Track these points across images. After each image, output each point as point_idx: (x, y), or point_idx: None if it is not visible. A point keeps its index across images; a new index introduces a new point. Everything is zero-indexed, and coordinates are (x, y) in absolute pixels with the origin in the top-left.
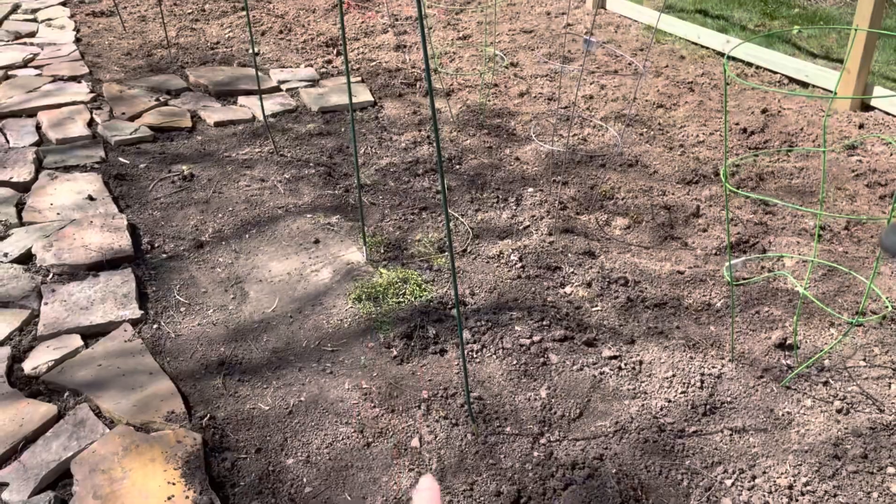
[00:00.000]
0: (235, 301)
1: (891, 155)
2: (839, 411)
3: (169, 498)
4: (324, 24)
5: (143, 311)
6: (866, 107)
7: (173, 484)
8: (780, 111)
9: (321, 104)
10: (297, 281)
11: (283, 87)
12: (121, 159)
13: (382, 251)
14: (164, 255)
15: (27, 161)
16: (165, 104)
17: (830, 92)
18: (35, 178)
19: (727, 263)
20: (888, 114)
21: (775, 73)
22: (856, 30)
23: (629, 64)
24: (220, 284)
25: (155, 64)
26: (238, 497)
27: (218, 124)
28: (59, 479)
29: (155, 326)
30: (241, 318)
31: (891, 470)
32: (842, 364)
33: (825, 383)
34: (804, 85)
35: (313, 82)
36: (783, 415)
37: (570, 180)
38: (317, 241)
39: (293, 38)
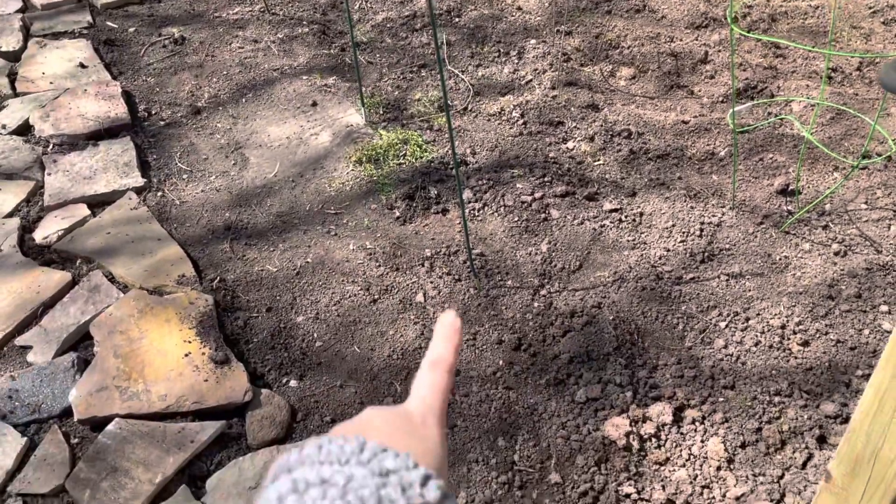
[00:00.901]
0: (237, 167)
1: None
2: (836, 254)
3: (186, 354)
4: None
5: (146, 179)
6: None
7: (189, 342)
8: None
9: None
10: (296, 145)
11: None
12: (108, 23)
13: (381, 112)
14: (162, 123)
15: (14, 29)
16: None
17: None
18: (24, 47)
19: (731, 110)
20: None
21: None
22: None
23: None
24: (221, 151)
25: None
26: (252, 352)
27: None
28: (81, 341)
29: (159, 194)
30: (243, 184)
31: (883, 308)
32: (843, 208)
33: (825, 227)
34: None
35: None
36: (780, 259)
37: (575, 29)
38: (314, 104)
39: None
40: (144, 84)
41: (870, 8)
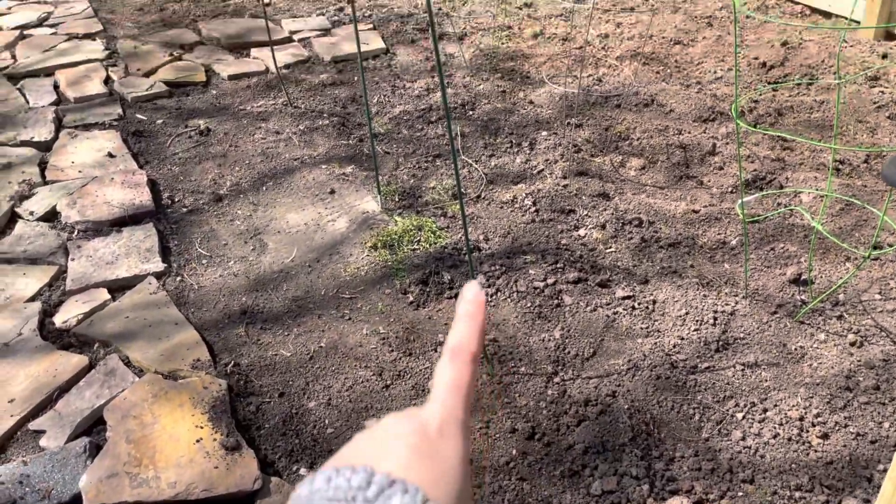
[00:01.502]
0: (255, 252)
1: None
2: (852, 344)
3: (198, 440)
4: None
5: (166, 265)
6: (890, 35)
7: (201, 427)
8: (801, 43)
9: (334, 53)
10: (314, 231)
11: (296, 37)
12: (138, 116)
13: (397, 199)
14: (185, 209)
15: (47, 120)
16: (179, 59)
17: (854, 22)
18: (56, 137)
19: (740, 200)
20: None
21: (797, 3)
22: None
23: (646, 0)
24: (240, 236)
25: (168, 18)
26: (263, 439)
27: (232, 77)
28: (94, 426)
29: (178, 279)
30: (261, 269)
31: None
32: (857, 298)
33: (839, 317)
34: (827, 15)
35: (325, 31)
36: (796, 349)
37: (585, 122)
38: (332, 192)
39: None
40: (169, 173)
41: (874, 103)
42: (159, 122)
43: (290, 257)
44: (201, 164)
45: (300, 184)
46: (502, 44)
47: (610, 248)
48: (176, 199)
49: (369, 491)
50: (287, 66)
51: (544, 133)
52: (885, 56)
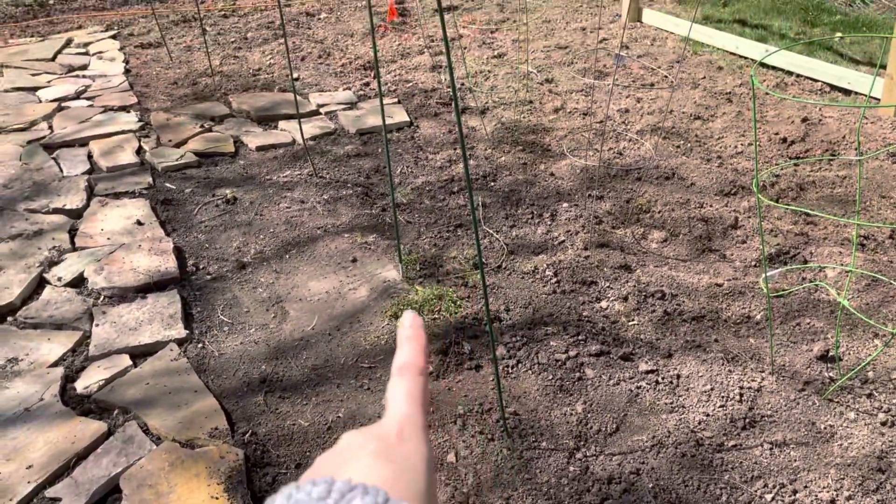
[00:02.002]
0: (276, 320)
1: None
2: (884, 423)
3: None
4: (361, 47)
5: (188, 331)
6: None
7: (216, 498)
8: (820, 119)
9: (359, 126)
10: (335, 299)
11: (322, 110)
12: (167, 185)
13: (418, 269)
14: (209, 277)
15: (79, 189)
16: (209, 130)
17: (874, 99)
18: (87, 205)
19: (763, 275)
20: None
21: (816, 80)
22: (892, 36)
23: (665, 76)
24: (262, 304)
25: (200, 92)
26: None
27: (259, 148)
28: (109, 494)
29: (199, 346)
30: (281, 337)
31: None
32: (886, 376)
33: (869, 395)
34: (846, 92)
35: (351, 105)
36: (825, 428)
37: (606, 194)
38: (354, 260)
39: (332, 63)
40: (195, 240)
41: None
42: (188, 190)
43: (311, 325)
44: (227, 232)
45: (323, 252)
46: (524, 117)
47: (632, 320)
48: (201, 267)
49: (330, 499)
50: (313, 138)
51: (565, 205)
52: None
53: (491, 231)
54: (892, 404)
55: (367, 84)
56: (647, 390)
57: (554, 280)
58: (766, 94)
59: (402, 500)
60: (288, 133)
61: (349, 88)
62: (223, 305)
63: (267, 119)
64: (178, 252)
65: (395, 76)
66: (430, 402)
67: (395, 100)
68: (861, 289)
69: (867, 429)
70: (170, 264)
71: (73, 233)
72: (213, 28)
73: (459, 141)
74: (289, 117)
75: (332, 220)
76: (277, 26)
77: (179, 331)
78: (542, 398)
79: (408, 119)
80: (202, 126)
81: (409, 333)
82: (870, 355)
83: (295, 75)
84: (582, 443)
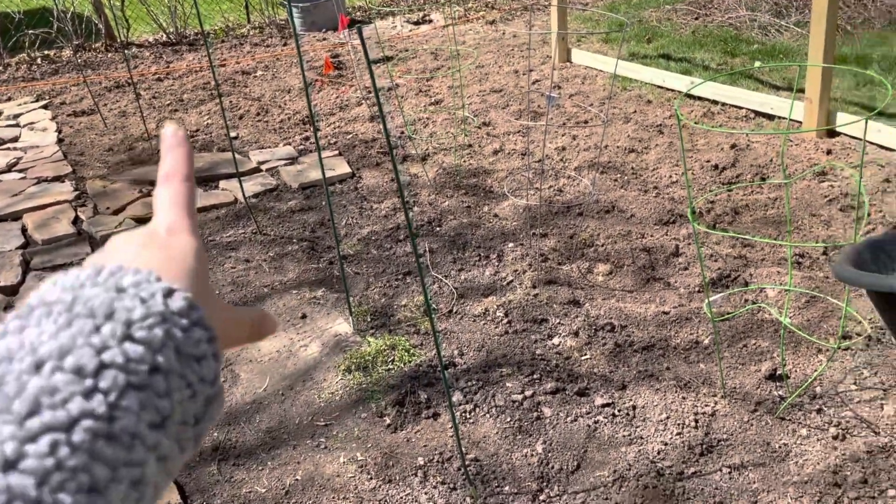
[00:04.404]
0: (227, 384)
1: (861, 177)
2: (835, 438)
3: None
4: (300, 102)
5: None
6: (832, 133)
7: None
8: (748, 145)
9: (301, 180)
10: (286, 358)
11: (263, 167)
12: None
13: (369, 320)
14: None
15: (14, 265)
16: (149, 195)
17: (797, 123)
18: (22, 281)
19: (706, 300)
20: (854, 137)
21: (740, 108)
22: (806, 65)
23: (598, 113)
24: None
25: (137, 157)
26: None
27: (201, 210)
28: None
29: None
30: (233, 401)
31: (892, 493)
32: (833, 390)
33: (818, 411)
34: (770, 117)
35: (292, 160)
36: (780, 447)
37: (550, 231)
38: (304, 316)
39: (270, 119)
40: None
41: (825, 197)
42: None
43: (263, 387)
44: None
45: (271, 310)
46: (464, 161)
47: (585, 355)
48: None
49: (98, 278)
50: (255, 196)
51: (511, 244)
52: (829, 152)
53: (439, 276)
54: (840, 418)
55: (307, 138)
56: (605, 424)
57: (505, 321)
58: (695, 125)
59: (173, 281)
60: (229, 192)
61: (289, 144)
62: None
63: (207, 179)
64: None
65: (334, 128)
66: (393, 461)
67: (336, 152)
68: (801, 306)
69: (820, 444)
70: None
71: (9, 311)
72: (147, 92)
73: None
74: (229, 176)
75: (279, 277)
76: (213, 86)
77: None
78: (501, 441)
79: (349, 170)
80: (141, 191)
81: (172, 143)
82: (815, 371)
83: (233, 134)
84: (545, 484)
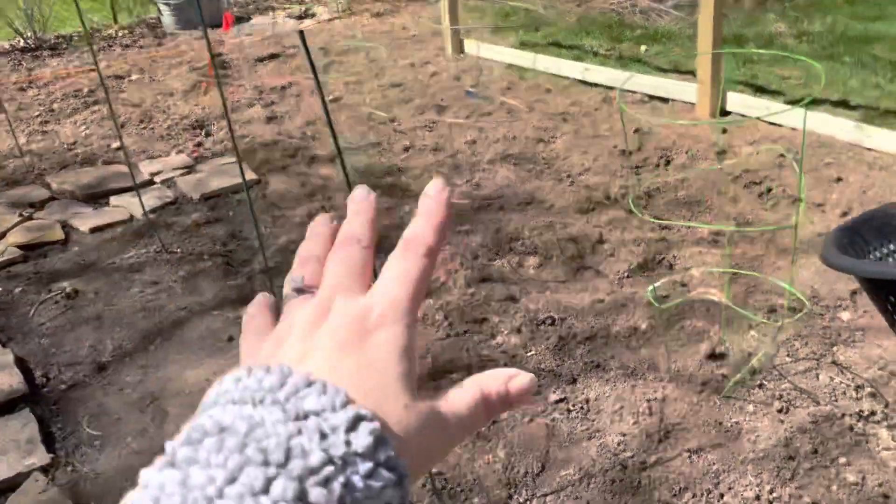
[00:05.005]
0: (155, 422)
1: (756, 153)
2: (780, 411)
3: None
4: (185, 106)
5: (52, 455)
6: (724, 112)
7: None
8: (650, 129)
9: (202, 191)
10: None
11: (157, 178)
12: None
13: None
14: (63, 386)
15: None
16: (30, 218)
17: (690, 104)
18: None
19: (650, 287)
20: (744, 115)
21: (635, 92)
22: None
23: (501, 104)
24: (134, 406)
25: (9, 176)
26: None
27: (94, 230)
28: None
29: (69, 469)
30: (164, 440)
31: (842, 459)
32: (769, 363)
33: (760, 386)
34: (664, 100)
35: (189, 168)
36: (731, 426)
37: (475, 228)
38: (231, 339)
39: (156, 126)
40: (38, 347)
41: (729, 174)
42: (17, 290)
43: None
44: (74, 332)
45: (193, 336)
46: (375, 160)
47: (530, 351)
48: (51, 376)
49: (280, 393)
50: (154, 210)
51: None
52: (724, 131)
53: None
54: (781, 391)
55: (201, 144)
56: (562, 421)
57: (446, 323)
58: (640, 117)
59: (362, 403)
60: (124, 209)
61: (182, 151)
62: (88, 417)
63: (96, 196)
64: (22, 364)
65: (228, 132)
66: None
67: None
68: (725, 283)
69: (767, 419)
70: (14, 380)
71: None
72: (10, 103)
73: (322, 189)
74: (121, 191)
75: (195, 299)
76: (86, 93)
77: (42, 456)
78: (462, 451)
79: (255, 176)
80: (21, 214)
81: (431, 206)
82: (749, 345)
83: (116, 144)
84: (513, 490)
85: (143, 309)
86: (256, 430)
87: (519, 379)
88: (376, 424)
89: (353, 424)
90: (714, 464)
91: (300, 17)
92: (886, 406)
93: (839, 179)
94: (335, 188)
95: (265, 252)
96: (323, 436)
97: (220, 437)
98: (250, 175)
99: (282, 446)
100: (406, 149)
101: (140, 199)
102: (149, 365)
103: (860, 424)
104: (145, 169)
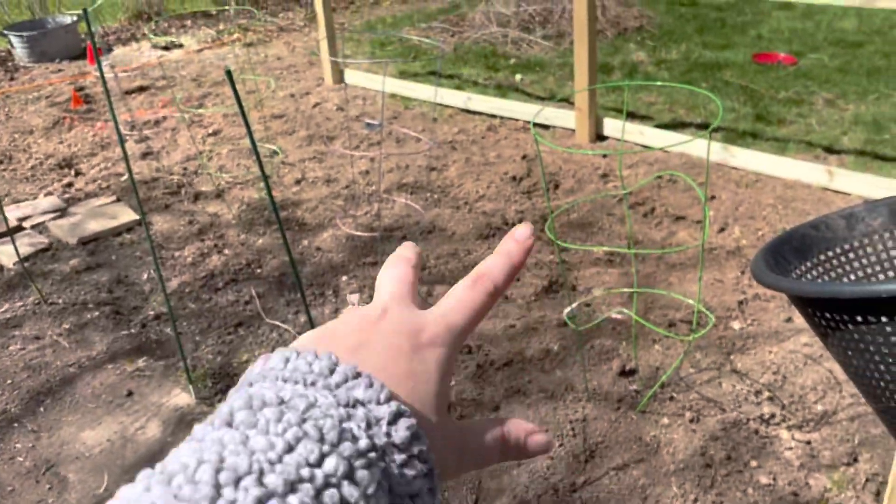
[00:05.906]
0: (54, 491)
1: (636, 176)
2: (692, 421)
3: None
4: (49, 144)
5: None
6: (602, 137)
7: None
8: (536, 155)
9: (79, 234)
10: (122, 446)
11: (27, 223)
12: None
13: (210, 384)
14: None
15: None
16: None
17: (570, 130)
18: None
19: (566, 310)
20: (619, 139)
21: (517, 120)
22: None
23: (389, 133)
24: (28, 476)
25: None
26: None
27: None
28: None
29: None
30: None
31: (753, 463)
32: (675, 375)
33: (671, 399)
34: (545, 127)
35: (61, 211)
36: (650, 440)
37: (380, 259)
38: (130, 394)
39: (18, 167)
40: None
41: (614, 197)
42: None
43: (102, 486)
44: None
45: (87, 393)
46: (266, 194)
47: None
48: None
49: (331, 378)
50: (26, 259)
51: (345, 278)
52: (604, 156)
53: (277, 322)
54: (690, 402)
55: (71, 185)
56: None
57: None
58: (564, 150)
59: (404, 403)
60: None
61: (51, 193)
62: None
63: None
64: None
65: (101, 170)
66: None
67: (114, 198)
68: (624, 301)
69: (681, 430)
70: None
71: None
72: None
73: (211, 228)
74: None
75: (85, 353)
76: None
77: None
78: None
79: (136, 217)
80: None
81: (510, 249)
82: (655, 360)
83: None
84: None
85: (26, 367)
86: (313, 409)
87: (539, 436)
88: (414, 421)
89: (395, 419)
90: (639, 479)
91: (167, 48)
92: (783, 408)
93: (713, 197)
94: (225, 224)
95: (155, 297)
96: (368, 425)
97: (280, 409)
98: (131, 216)
99: (336, 428)
100: (297, 182)
101: (15, 247)
102: (41, 429)
103: (763, 428)
104: (12, 214)
